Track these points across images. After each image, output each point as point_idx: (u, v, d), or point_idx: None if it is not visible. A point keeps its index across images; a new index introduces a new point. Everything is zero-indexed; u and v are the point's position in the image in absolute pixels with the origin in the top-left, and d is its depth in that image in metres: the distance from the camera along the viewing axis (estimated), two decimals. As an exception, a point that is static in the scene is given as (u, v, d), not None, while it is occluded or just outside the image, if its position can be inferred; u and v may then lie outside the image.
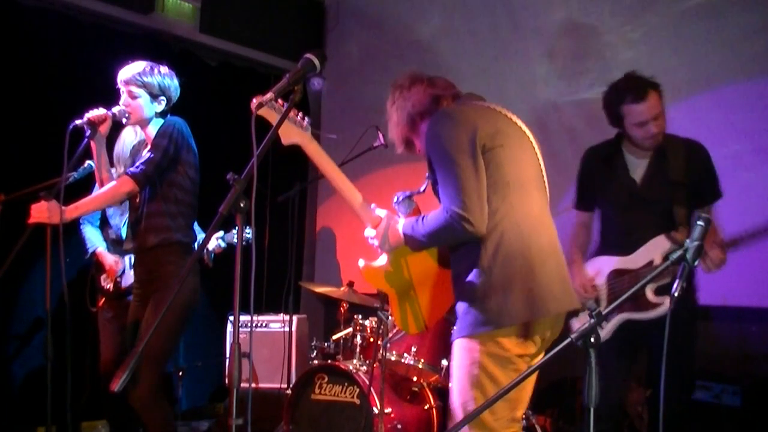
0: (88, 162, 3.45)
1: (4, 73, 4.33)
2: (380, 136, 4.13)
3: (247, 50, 5.68)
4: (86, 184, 3.61)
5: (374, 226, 2.38)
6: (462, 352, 2.19)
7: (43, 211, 2.88)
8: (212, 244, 4.17)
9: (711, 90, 4.24)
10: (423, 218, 2.23)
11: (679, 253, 1.76)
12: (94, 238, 4.12)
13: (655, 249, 2.95)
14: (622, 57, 4.46)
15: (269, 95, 1.88)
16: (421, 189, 2.45)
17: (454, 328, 2.24)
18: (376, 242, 2.39)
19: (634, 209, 3.04)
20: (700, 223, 1.77)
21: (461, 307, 2.20)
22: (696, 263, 1.74)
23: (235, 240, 4.14)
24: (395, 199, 2.48)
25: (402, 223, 2.31)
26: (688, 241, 1.76)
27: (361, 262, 2.50)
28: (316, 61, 2.00)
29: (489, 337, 2.13)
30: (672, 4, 4.42)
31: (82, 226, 4.13)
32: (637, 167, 3.06)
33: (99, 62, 4.72)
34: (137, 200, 3.21)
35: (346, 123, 5.87)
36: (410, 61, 5.34)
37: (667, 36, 4.41)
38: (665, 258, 2.90)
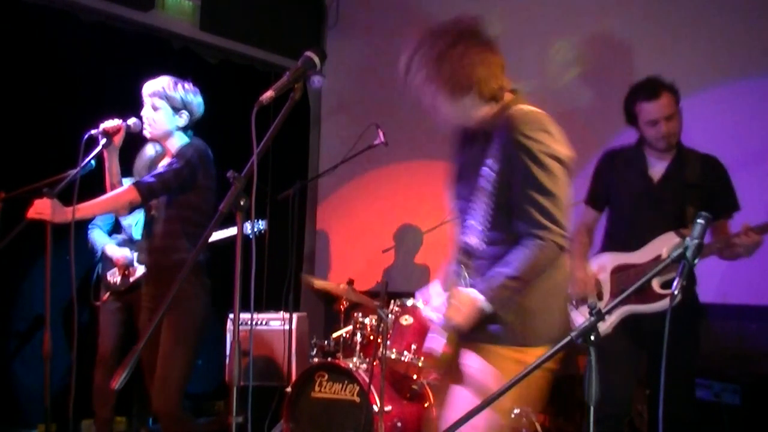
0: (89, 161, 3.46)
1: (5, 70, 4.33)
2: (380, 134, 4.13)
3: (247, 48, 5.68)
4: (86, 185, 3.61)
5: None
6: (507, 362, 2.09)
7: (46, 207, 2.88)
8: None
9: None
10: (503, 263, 2.05)
11: (679, 251, 1.76)
12: (101, 239, 4.27)
13: (663, 244, 3.00)
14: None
15: (270, 93, 1.88)
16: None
17: (488, 331, 2.10)
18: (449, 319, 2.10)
19: (647, 208, 3.09)
20: (700, 221, 1.77)
21: (512, 314, 2.08)
22: (696, 261, 1.74)
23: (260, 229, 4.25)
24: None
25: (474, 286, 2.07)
26: (688, 239, 1.76)
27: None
28: (317, 59, 2.00)
29: (534, 350, 2.09)
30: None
31: (89, 231, 4.25)
32: (656, 167, 3.13)
33: (99, 60, 4.75)
34: (152, 212, 3.24)
35: (346, 121, 5.87)
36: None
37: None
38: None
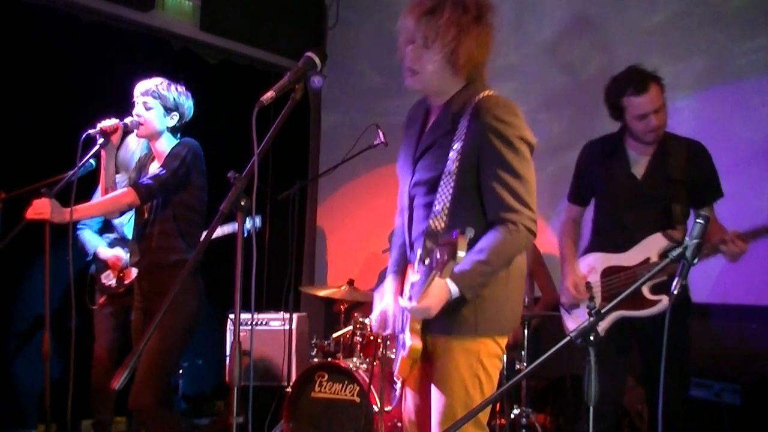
0: (89, 161, 3.47)
1: (4, 70, 4.33)
2: (380, 134, 4.13)
3: (247, 48, 5.68)
4: (84, 185, 3.62)
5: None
6: (465, 353, 2.08)
7: (45, 208, 2.88)
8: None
9: (718, 85, 4.24)
10: (474, 249, 2.01)
11: (678, 250, 1.76)
12: (93, 240, 4.19)
13: (651, 247, 2.95)
14: (625, 52, 4.44)
15: (271, 93, 1.88)
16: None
17: (441, 321, 2.05)
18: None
19: (633, 205, 3.02)
20: (699, 221, 1.78)
21: (470, 304, 2.05)
22: (695, 261, 1.74)
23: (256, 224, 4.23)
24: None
25: (450, 271, 1.93)
26: (687, 238, 1.76)
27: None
28: (317, 60, 2.00)
29: (493, 338, 2.11)
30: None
31: (80, 231, 4.20)
32: (638, 163, 3.05)
33: (99, 60, 4.75)
34: (145, 216, 3.23)
35: (346, 121, 5.88)
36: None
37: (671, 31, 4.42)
38: (662, 256, 2.90)
